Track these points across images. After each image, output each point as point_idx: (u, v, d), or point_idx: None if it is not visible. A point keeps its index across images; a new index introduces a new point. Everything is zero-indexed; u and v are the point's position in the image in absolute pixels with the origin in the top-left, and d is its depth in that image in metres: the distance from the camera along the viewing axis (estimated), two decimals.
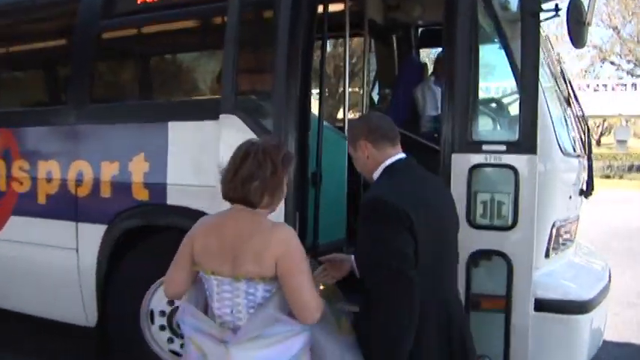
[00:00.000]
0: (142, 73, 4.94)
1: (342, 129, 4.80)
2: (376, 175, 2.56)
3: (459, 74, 3.40)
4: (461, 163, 3.41)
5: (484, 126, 3.60)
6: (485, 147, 3.37)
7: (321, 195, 3.94)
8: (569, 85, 4.13)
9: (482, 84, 3.48)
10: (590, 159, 3.95)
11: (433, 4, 5.29)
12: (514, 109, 3.44)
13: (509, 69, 3.38)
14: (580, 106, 4.12)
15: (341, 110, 6.14)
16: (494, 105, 3.66)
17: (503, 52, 3.41)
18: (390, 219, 2.32)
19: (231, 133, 3.63)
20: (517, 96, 3.37)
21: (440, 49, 5.45)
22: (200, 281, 2.48)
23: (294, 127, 3.64)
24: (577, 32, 3.26)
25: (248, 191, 2.34)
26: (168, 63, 5.05)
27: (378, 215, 2.36)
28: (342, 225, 4.47)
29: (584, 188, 3.93)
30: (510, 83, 3.47)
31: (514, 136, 3.34)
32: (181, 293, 2.52)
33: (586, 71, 36.53)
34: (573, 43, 3.25)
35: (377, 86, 6.42)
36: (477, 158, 3.37)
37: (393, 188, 2.43)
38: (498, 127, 3.60)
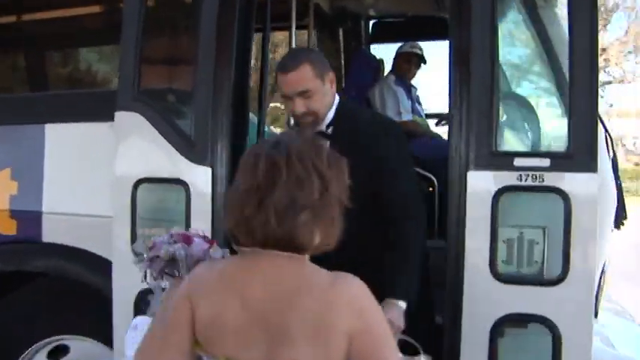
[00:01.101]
0: (9, 56, 3.93)
1: None
2: (330, 113, 2.41)
3: (477, 62, 2.40)
4: (481, 185, 2.39)
5: (515, 131, 2.55)
6: (518, 161, 2.35)
7: None
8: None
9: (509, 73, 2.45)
10: (618, 177, 2.96)
11: None
12: (560, 107, 2.39)
13: (548, 50, 2.39)
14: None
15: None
16: (529, 101, 2.61)
17: (535, 29, 2.41)
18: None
19: (131, 139, 2.75)
20: (562, 88, 2.32)
21: (399, 44, 4.76)
22: None
23: (225, 133, 2.72)
24: None
25: (293, 228, 1.51)
26: (47, 43, 3.88)
27: (405, 138, 2.51)
28: None
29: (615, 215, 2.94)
30: (549, 72, 2.42)
31: (562, 144, 2.33)
32: None
33: None
34: None
35: None
36: (506, 178, 2.35)
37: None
38: (536, 132, 2.55)
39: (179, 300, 1.61)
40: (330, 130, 2.40)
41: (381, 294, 1.62)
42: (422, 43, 4.78)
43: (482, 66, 2.37)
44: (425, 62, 4.76)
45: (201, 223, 2.62)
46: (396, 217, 2.32)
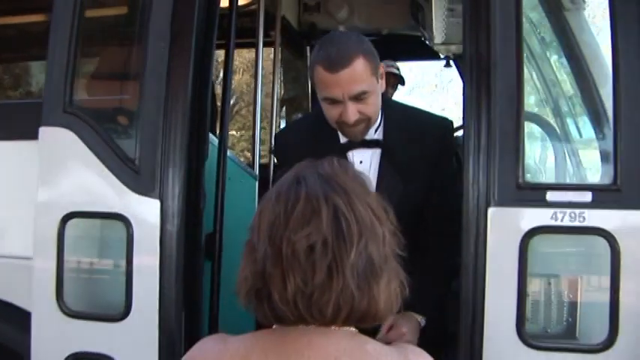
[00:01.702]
0: None
1: (250, 165, 3.53)
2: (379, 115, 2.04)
3: (500, 76, 1.94)
4: (505, 224, 1.92)
5: (547, 158, 2.08)
6: (551, 195, 1.88)
7: (222, 273, 2.58)
8: None
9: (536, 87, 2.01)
10: None
11: (363, 4, 4.41)
12: (602, 128, 1.94)
13: (582, 60, 1.95)
14: None
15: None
16: (563, 121, 2.16)
17: (567, 35, 1.97)
18: None
19: (59, 162, 2.26)
20: (603, 105, 1.88)
21: None
22: None
23: (178, 159, 2.21)
24: None
25: (373, 299, 1.18)
26: None
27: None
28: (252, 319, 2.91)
29: None
30: (586, 85, 1.97)
31: (608, 176, 1.88)
32: None
33: None
34: None
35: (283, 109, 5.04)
36: (537, 216, 1.88)
37: None
38: (573, 159, 2.09)
39: None
40: (379, 135, 2.05)
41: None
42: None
43: (505, 81, 1.90)
44: (403, 83, 4.35)
45: (147, 270, 2.14)
46: (439, 232, 2.08)
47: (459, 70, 4.80)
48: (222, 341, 1.26)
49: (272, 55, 4.43)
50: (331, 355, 1.17)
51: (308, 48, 4.93)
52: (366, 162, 2.04)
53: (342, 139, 2.05)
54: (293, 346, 1.18)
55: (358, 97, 1.89)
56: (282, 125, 4.82)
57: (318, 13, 4.61)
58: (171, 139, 2.18)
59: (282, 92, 4.99)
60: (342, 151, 2.02)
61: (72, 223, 2.19)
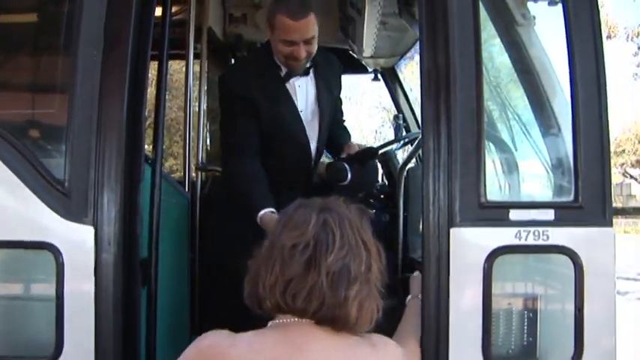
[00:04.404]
0: None
1: (181, 183, 3.29)
2: None
3: (461, 90, 1.87)
4: (468, 244, 1.86)
5: (510, 176, 2.03)
6: (515, 214, 1.84)
7: (160, 300, 2.39)
8: None
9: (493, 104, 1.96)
10: None
11: None
12: (563, 145, 1.92)
13: (543, 76, 1.92)
14: None
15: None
16: (524, 139, 2.11)
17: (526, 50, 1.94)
18: None
19: None
20: (564, 123, 1.87)
21: None
22: None
23: (114, 181, 2.02)
24: None
25: (345, 299, 1.43)
26: None
27: None
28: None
29: None
30: (546, 102, 1.95)
31: (568, 193, 1.86)
32: None
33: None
34: None
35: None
36: (501, 236, 1.84)
37: None
38: (535, 177, 2.05)
39: None
40: (308, 65, 2.69)
41: None
42: None
43: (465, 95, 1.85)
44: None
45: (80, 302, 1.94)
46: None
47: (386, 83, 4.81)
48: (230, 336, 1.49)
49: (197, 67, 4.25)
50: (330, 347, 1.45)
51: (233, 60, 4.81)
52: (302, 86, 2.71)
53: (283, 72, 2.67)
54: (299, 339, 1.44)
55: (308, 41, 2.52)
56: (208, 140, 4.64)
57: (245, 25, 4.48)
58: (105, 158, 1.97)
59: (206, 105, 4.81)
60: (284, 80, 2.66)
61: None
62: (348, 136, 3.08)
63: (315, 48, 2.56)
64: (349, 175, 2.70)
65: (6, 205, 1.96)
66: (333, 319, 1.44)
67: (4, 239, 1.94)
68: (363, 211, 1.55)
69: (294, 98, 2.68)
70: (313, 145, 2.73)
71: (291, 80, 2.68)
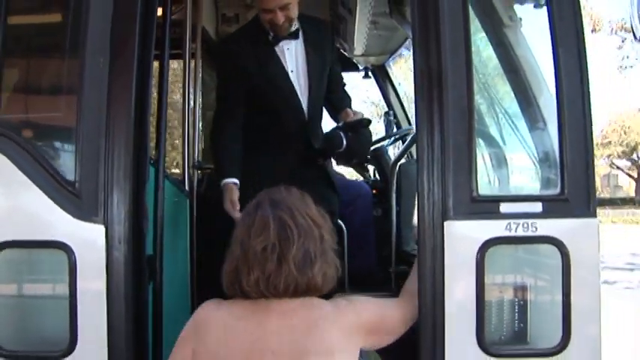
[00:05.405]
0: None
1: (181, 182, 3.32)
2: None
3: (453, 88, 1.97)
4: (461, 237, 1.95)
5: (500, 171, 2.13)
6: (505, 207, 1.94)
7: (164, 293, 2.45)
8: None
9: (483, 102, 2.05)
10: None
11: None
12: (549, 141, 2.02)
13: (530, 74, 2.00)
14: None
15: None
16: (513, 135, 2.22)
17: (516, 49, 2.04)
18: None
19: None
20: (550, 119, 1.97)
21: None
22: None
23: (123, 181, 2.08)
24: None
25: (312, 276, 1.78)
26: None
27: None
28: None
29: None
30: (533, 99, 2.05)
31: (555, 186, 1.96)
32: None
33: None
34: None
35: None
36: (492, 228, 1.93)
37: None
38: (522, 172, 2.16)
39: (181, 340, 1.87)
40: (295, 28, 2.96)
41: None
42: None
43: (457, 93, 1.95)
44: None
45: (92, 299, 2.01)
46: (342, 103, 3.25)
47: (377, 81, 4.89)
48: (219, 304, 1.85)
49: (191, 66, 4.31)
50: (291, 309, 1.78)
51: None
52: (291, 49, 2.98)
53: (271, 37, 2.94)
54: (273, 308, 1.78)
55: (284, 7, 2.80)
56: (204, 138, 4.70)
57: (237, 24, 4.50)
58: (114, 159, 2.05)
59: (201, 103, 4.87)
60: (273, 44, 2.95)
61: (6, 254, 2.01)
62: (349, 99, 3.32)
63: (293, 13, 2.84)
64: (344, 143, 2.97)
65: (20, 206, 2.04)
66: (304, 291, 1.78)
67: (18, 239, 2.01)
68: (301, 192, 1.87)
69: (282, 60, 2.96)
70: (305, 104, 2.99)
71: (280, 44, 2.95)
